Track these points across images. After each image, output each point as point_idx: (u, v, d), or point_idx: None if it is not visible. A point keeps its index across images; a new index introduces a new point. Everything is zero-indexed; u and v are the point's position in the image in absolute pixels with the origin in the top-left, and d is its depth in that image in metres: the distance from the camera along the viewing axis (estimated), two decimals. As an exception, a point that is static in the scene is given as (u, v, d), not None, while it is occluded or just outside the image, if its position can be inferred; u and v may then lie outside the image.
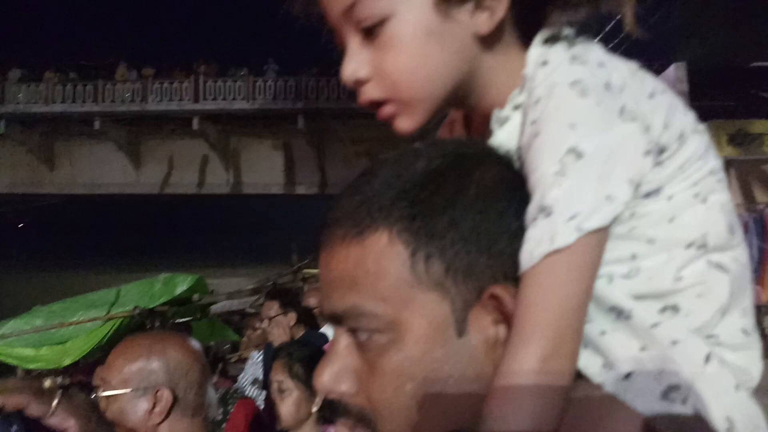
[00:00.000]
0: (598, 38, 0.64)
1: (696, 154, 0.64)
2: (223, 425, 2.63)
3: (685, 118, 0.65)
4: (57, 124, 25.87)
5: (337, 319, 0.60)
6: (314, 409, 2.21)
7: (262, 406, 3.25)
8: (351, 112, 23.20)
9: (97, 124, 25.11)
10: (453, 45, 0.63)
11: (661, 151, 0.62)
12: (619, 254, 0.61)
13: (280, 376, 2.25)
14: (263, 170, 25.46)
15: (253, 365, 4.40)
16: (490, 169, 0.61)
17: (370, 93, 0.66)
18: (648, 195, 0.62)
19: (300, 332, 3.68)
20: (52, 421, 0.63)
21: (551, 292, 0.55)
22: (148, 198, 29.74)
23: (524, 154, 0.61)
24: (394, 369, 0.57)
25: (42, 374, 5.99)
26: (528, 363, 0.54)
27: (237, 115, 25.01)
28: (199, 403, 1.41)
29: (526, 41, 0.66)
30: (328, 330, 4.31)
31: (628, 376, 0.60)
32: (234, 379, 4.59)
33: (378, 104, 0.66)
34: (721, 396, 0.61)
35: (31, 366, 5.35)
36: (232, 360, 6.58)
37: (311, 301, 4.29)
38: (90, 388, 3.47)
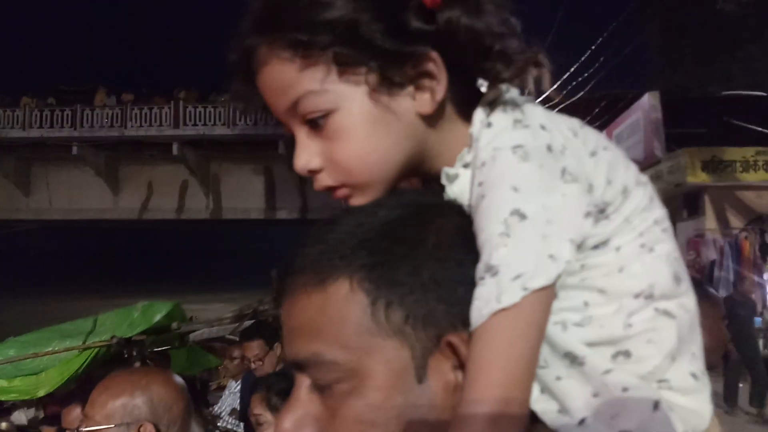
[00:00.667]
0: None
1: (640, 206, 0.67)
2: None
3: (627, 172, 0.68)
4: (34, 149, 25.62)
5: (299, 366, 0.61)
6: None
7: (240, 438, 3.21)
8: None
9: (75, 150, 24.91)
10: (399, 128, 0.65)
11: (603, 209, 0.64)
12: (572, 303, 0.63)
13: (259, 410, 2.23)
14: (244, 195, 25.37)
15: (231, 395, 4.35)
16: (450, 219, 0.63)
17: (324, 181, 0.67)
18: (597, 247, 0.64)
19: None
20: None
21: (500, 350, 0.57)
22: (126, 224, 29.42)
23: (473, 214, 0.63)
24: (356, 416, 0.58)
25: (15, 405, 5.83)
26: (479, 420, 0.56)
27: (217, 141, 25.00)
28: (185, 436, 1.40)
29: (470, 108, 0.68)
30: None
31: (582, 421, 0.62)
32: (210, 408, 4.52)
33: (334, 188, 0.67)
34: None
35: (4, 397, 5.19)
36: (212, 388, 6.46)
37: None
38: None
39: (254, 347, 3.66)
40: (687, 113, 12.37)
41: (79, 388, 4.94)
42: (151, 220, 27.52)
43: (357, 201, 0.67)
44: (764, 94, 13.77)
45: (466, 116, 0.68)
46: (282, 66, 0.63)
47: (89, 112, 25.65)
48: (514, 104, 0.66)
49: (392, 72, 0.63)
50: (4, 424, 5.45)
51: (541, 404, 0.63)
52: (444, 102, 0.66)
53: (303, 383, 0.61)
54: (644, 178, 0.70)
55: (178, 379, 1.46)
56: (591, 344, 0.63)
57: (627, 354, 0.64)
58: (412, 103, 0.65)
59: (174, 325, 5.79)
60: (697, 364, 0.68)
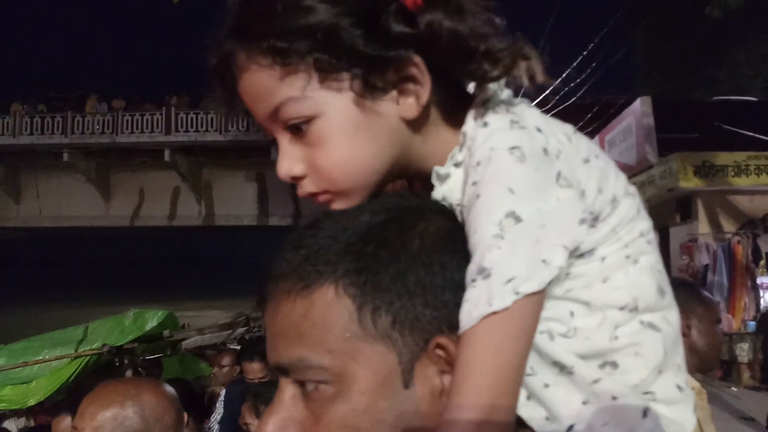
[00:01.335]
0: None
1: (627, 217, 0.67)
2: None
3: (617, 182, 0.68)
4: (24, 156, 25.48)
5: (283, 371, 0.61)
6: None
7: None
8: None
9: (66, 157, 24.80)
10: (383, 133, 0.64)
11: (596, 217, 0.64)
12: (557, 313, 0.63)
13: (249, 419, 2.21)
14: (236, 202, 25.32)
15: (221, 404, 4.33)
16: (433, 222, 0.63)
17: (308, 188, 0.66)
18: (582, 256, 0.64)
19: None
20: None
21: (489, 354, 0.57)
22: (118, 231, 29.28)
23: (466, 214, 0.62)
24: (340, 420, 0.58)
25: (5, 415, 5.77)
26: (465, 425, 0.56)
27: (209, 147, 24.93)
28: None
29: (457, 110, 0.67)
30: None
31: (570, 428, 0.62)
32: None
33: (316, 194, 0.67)
34: None
35: None
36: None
37: None
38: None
39: (255, 369, 3.62)
40: (678, 118, 12.44)
41: (69, 398, 4.89)
42: (143, 227, 27.40)
43: (340, 206, 0.66)
44: (755, 99, 13.87)
45: (454, 118, 0.67)
46: (261, 72, 0.62)
47: (80, 118, 25.56)
48: (509, 105, 0.66)
49: (374, 77, 0.62)
50: None
51: (527, 410, 0.63)
52: (429, 105, 0.65)
53: (286, 387, 0.61)
54: (632, 188, 0.70)
55: (169, 388, 1.44)
56: (578, 356, 0.63)
57: (614, 365, 0.64)
58: (396, 107, 0.64)
59: (166, 332, 5.77)
60: (682, 376, 0.69)
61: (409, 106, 0.64)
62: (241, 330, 8.97)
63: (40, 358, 5.28)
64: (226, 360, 4.81)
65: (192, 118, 25.10)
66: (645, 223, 0.69)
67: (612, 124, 13.62)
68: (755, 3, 13.79)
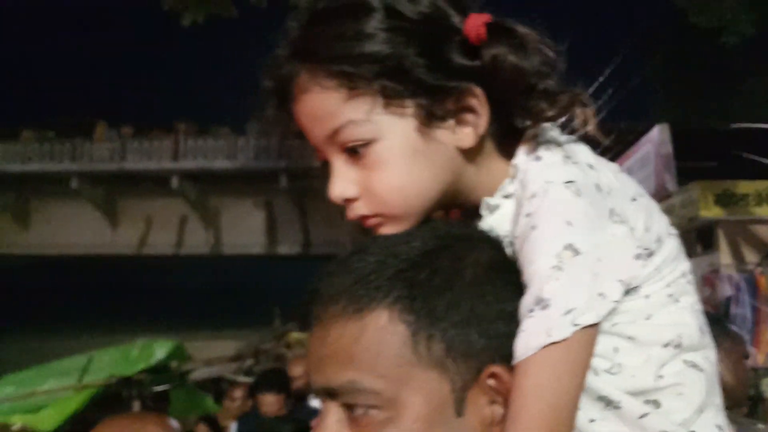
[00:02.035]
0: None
1: (670, 256, 0.68)
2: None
3: (661, 221, 0.69)
4: (33, 183, 25.56)
5: (331, 393, 0.61)
6: None
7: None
8: (333, 171, 23.27)
9: (74, 183, 24.84)
10: (437, 161, 0.66)
11: (650, 253, 0.65)
12: (602, 348, 0.63)
13: None
14: (244, 230, 25.22)
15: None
16: (484, 252, 0.64)
17: (359, 210, 0.67)
18: (627, 292, 0.64)
19: None
20: None
21: (547, 385, 0.58)
22: (125, 259, 29.20)
23: (519, 245, 0.63)
24: None
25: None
26: None
27: (217, 174, 24.92)
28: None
29: (508, 142, 0.68)
30: (315, 403, 4.09)
31: None
32: None
33: (366, 217, 0.67)
34: None
35: None
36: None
37: (296, 370, 4.13)
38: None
39: (270, 402, 3.53)
40: (696, 146, 12.33)
41: (77, 429, 4.79)
42: (150, 256, 27.30)
43: (388, 230, 0.67)
44: (773, 127, 13.74)
45: (505, 150, 0.69)
46: (325, 95, 0.64)
47: (89, 145, 25.68)
48: (559, 141, 0.68)
49: (435, 106, 0.65)
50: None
51: None
52: (483, 136, 0.67)
53: (333, 410, 0.61)
54: (673, 229, 0.71)
55: (175, 423, 1.41)
56: (624, 392, 0.64)
57: (656, 404, 0.64)
58: (453, 136, 0.66)
59: (173, 363, 5.71)
60: (721, 416, 0.69)
61: (466, 135, 0.66)
62: (249, 362, 8.80)
63: (46, 387, 5.27)
64: (238, 393, 4.74)
65: (200, 145, 25.17)
66: (685, 264, 0.70)
67: (629, 152, 13.50)
68: (768, 31, 13.79)
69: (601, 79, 12.08)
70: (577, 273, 0.59)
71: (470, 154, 0.67)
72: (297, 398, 3.96)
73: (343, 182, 0.66)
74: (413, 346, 0.58)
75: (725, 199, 10.65)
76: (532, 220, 0.61)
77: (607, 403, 0.63)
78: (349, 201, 0.67)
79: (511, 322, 0.60)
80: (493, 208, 0.68)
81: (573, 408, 0.59)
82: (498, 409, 0.60)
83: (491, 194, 0.68)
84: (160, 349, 5.47)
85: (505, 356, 0.60)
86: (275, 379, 3.82)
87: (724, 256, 10.76)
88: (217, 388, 6.99)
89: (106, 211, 25.61)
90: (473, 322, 0.60)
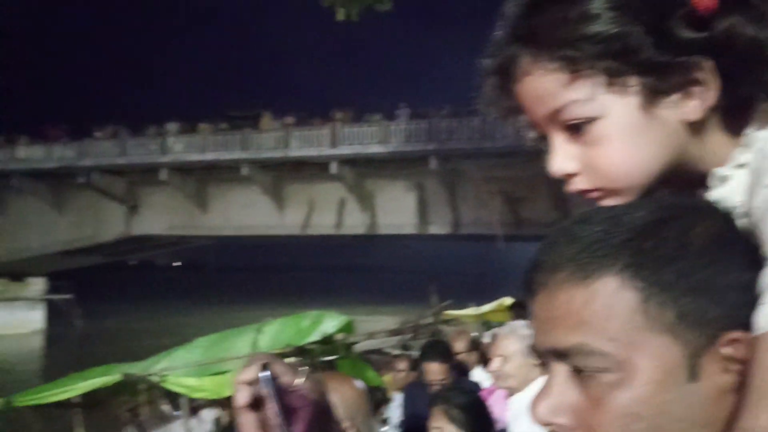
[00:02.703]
0: None
1: None
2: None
3: None
4: (209, 171, 28.18)
5: (558, 355, 0.61)
6: None
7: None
8: (483, 152, 23.22)
9: (244, 171, 27.00)
10: (660, 135, 0.65)
11: None
12: None
13: (440, 423, 2.25)
14: (397, 211, 26.00)
15: (397, 408, 4.43)
16: (713, 222, 0.62)
17: (579, 184, 0.69)
18: None
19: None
20: (294, 395, 0.69)
21: None
22: (290, 239, 31.38)
23: (759, 216, 0.61)
24: (623, 408, 0.58)
25: (202, 405, 6.41)
26: (763, 427, 0.54)
27: (372, 158, 25.87)
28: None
29: (738, 111, 0.66)
30: (478, 376, 4.25)
31: None
32: None
33: (587, 191, 0.69)
34: None
35: (197, 395, 5.72)
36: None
37: (458, 345, 4.25)
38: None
39: (435, 370, 3.58)
40: None
41: None
42: (313, 236, 29.07)
43: (610, 203, 0.67)
44: None
45: (731, 121, 0.67)
46: (548, 76, 0.65)
47: (256, 135, 27.73)
48: None
49: (660, 82, 0.63)
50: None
51: None
52: (710, 108, 0.65)
53: (560, 372, 0.62)
54: None
55: (360, 382, 1.53)
56: None
57: None
58: (678, 110, 0.65)
59: (339, 335, 6.02)
60: None
61: (692, 109, 0.65)
62: (408, 336, 9.22)
63: (227, 351, 5.73)
64: (402, 365, 4.91)
65: (355, 132, 26.23)
66: None
67: None
68: None
69: None
70: None
71: (695, 127, 0.66)
72: (459, 371, 4.04)
73: (564, 158, 0.68)
74: (644, 312, 0.58)
75: None
76: None
77: None
78: (569, 176, 0.68)
79: (746, 293, 0.58)
80: (723, 180, 0.66)
81: None
82: (731, 378, 0.58)
83: (718, 166, 0.66)
84: (329, 322, 5.64)
85: (741, 326, 0.58)
86: (440, 348, 3.86)
87: None
88: (367, 360, 7.33)
89: (273, 196, 27.58)
90: (705, 291, 0.58)
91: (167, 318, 38.48)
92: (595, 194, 0.68)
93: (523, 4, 0.67)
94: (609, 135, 0.65)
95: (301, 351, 5.65)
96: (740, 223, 0.63)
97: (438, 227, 25.78)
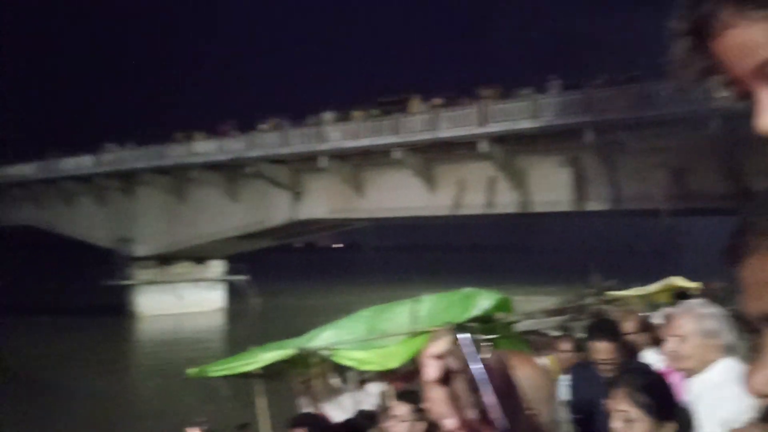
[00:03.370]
0: None
1: None
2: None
3: None
4: (364, 156, 29.17)
5: None
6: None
7: None
8: (643, 121, 21.74)
9: (396, 154, 27.63)
10: None
11: None
12: None
13: (624, 406, 2.18)
14: (550, 188, 25.21)
15: (564, 388, 4.39)
16: None
17: None
18: None
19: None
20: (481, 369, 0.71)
21: None
22: (441, 219, 31.67)
23: None
24: None
25: (369, 378, 6.76)
26: None
27: (522, 135, 25.27)
28: (551, 420, 1.49)
29: None
30: (650, 358, 4.09)
31: None
32: None
33: None
34: None
35: (366, 367, 6.00)
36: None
37: (627, 326, 4.10)
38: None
39: (604, 349, 3.49)
40: None
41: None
42: (464, 216, 29.10)
43: None
44: None
45: None
46: (752, 27, 0.63)
47: (406, 119, 28.20)
48: None
49: None
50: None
51: None
52: None
53: None
54: None
55: (543, 362, 1.55)
56: None
57: None
58: None
59: (499, 314, 5.98)
60: None
61: None
62: (567, 316, 9.01)
63: (387, 325, 5.87)
64: (567, 345, 4.85)
65: (504, 108, 25.74)
66: None
67: None
68: None
69: None
70: None
71: None
72: (628, 352, 3.90)
73: None
74: None
75: None
76: None
77: None
78: None
79: None
80: None
81: None
82: None
83: None
84: (484, 299, 5.50)
85: None
86: (608, 327, 3.74)
87: None
88: (532, 341, 7.22)
89: (424, 177, 27.96)
90: None
91: (332, 296, 40.65)
92: None
93: None
94: None
95: (460, 329, 5.67)
96: None
97: (596, 203, 24.62)
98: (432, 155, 27.60)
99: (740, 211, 0.66)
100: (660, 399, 2.20)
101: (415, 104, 28.74)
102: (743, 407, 1.39)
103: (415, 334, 5.53)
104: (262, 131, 32.48)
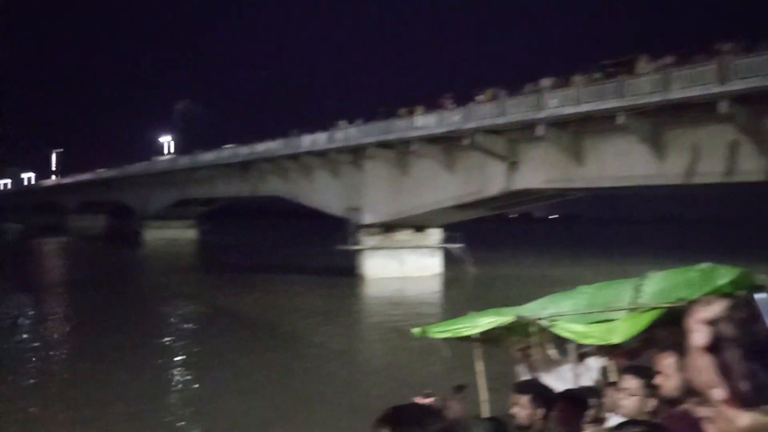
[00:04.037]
0: None
1: None
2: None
3: None
4: (584, 123, 27.96)
5: None
6: None
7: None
8: None
9: (620, 119, 26.02)
10: None
11: None
12: None
13: None
14: (808, 152, 21.88)
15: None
16: None
17: None
18: None
19: None
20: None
21: None
22: (671, 189, 29.29)
23: None
24: None
25: (588, 352, 6.72)
26: None
27: (772, 93, 22.18)
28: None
29: None
30: None
31: None
32: None
33: None
34: None
35: (585, 341, 6.00)
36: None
37: None
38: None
39: None
40: None
41: (647, 344, 5.29)
42: (697, 185, 26.60)
43: None
44: None
45: None
46: None
47: (631, 81, 26.33)
48: None
49: None
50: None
51: None
52: None
53: None
54: None
55: None
56: None
57: None
58: None
59: (739, 292, 5.53)
60: None
61: None
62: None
63: (609, 301, 5.70)
64: None
65: (749, 64, 22.77)
66: None
67: None
68: None
69: None
70: None
71: None
72: None
73: None
74: None
75: None
76: None
77: None
78: None
79: None
80: None
81: None
82: None
83: None
84: (722, 276, 5.13)
85: None
86: None
87: None
88: None
89: (652, 143, 26.00)
90: None
91: (547, 268, 40.11)
92: None
93: None
94: None
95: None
96: None
97: None
98: (661, 119, 25.53)
99: None
100: None
101: (642, 64, 26.69)
102: None
103: (642, 311, 5.35)
104: (478, 103, 32.75)
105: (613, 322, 5.53)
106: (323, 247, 43.27)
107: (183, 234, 75.96)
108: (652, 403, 3.61)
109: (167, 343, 22.00)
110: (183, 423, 13.54)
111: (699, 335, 0.62)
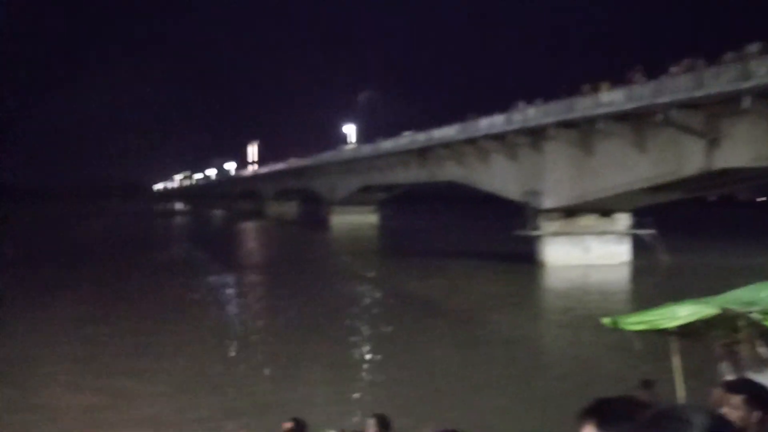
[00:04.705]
0: None
1: None
2: None
3: None
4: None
5: None
6: None
7: None
8: None
9: None
10: None
11: None
12: None
13: None
14: None
15: None
16: None
17: None
18: None
19: None
20: None
21: None
22: None
23: None
24: None
25: None
26: None
27: None
28: None
29: None
30: None
31: None
32: None
33: None
34: None
35: None
36: None
37: None
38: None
39: None
40: None
41: None
42: None
43: None
44: None
45: None
46: None
47: None
48: None
49: None
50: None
51: None
52: None
53: None
54: None
55: None
56: None
57: None
58: None
59: None
60: None
61: None
62: None
63: None
64: None
65: None
66: None
67: None
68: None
69: None
70: None
71: None
72: None
73: None
74: None
75: None
76: None
77: None
78: None
79: None
80: None
81: None
82: None
83: None
84: None
85: None
86: None
87: None
88: None
89: None
90: None
91: (754, 258, 35.97)
92: None
93: None
94: None
95: None
96: None
97: None
98: None
99: None
100: None
101: None
102: None
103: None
104: (672, 75, 30.07)
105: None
106: (500, 233, 42.85)
107: (365, 219, 79.92)
108: None
109: (355, 322, 23.30)
110: (357, 395, 14.36)
111: None
